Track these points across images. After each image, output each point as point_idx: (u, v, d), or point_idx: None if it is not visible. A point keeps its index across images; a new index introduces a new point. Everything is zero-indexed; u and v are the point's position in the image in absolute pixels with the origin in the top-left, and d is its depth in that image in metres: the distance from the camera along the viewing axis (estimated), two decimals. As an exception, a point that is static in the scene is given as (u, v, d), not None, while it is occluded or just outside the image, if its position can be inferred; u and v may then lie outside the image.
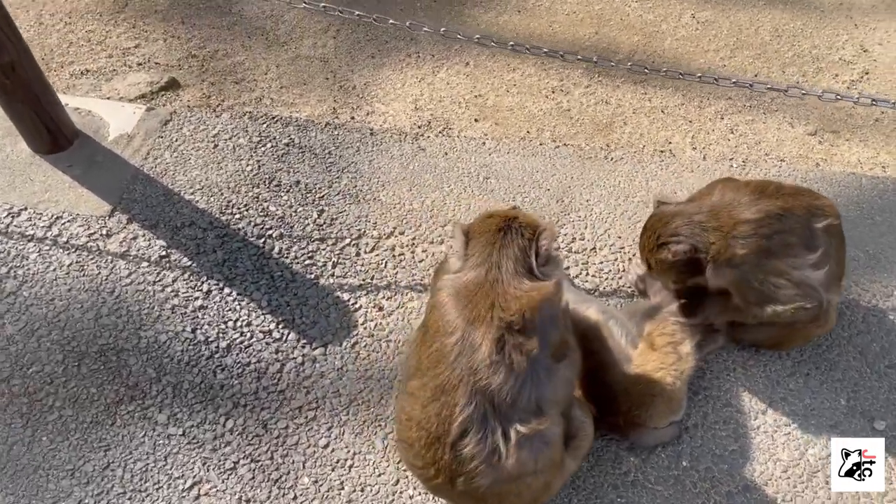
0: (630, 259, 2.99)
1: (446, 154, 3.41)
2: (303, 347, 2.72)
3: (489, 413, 1.92)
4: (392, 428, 2.51)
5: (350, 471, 2.44)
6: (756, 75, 3.94)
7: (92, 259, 2.92)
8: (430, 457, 1.99)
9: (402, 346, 2.71)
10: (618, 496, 2.41)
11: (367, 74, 3.93)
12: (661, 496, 2.41)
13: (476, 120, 3.68)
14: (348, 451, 2.48)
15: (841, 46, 4.14)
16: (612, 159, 3.41)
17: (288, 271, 2.92)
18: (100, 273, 2.88)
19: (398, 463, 2.44)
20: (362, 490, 2.41)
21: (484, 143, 3.47)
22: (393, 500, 2.39)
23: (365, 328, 2.78)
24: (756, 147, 3.58)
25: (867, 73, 3.97)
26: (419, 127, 3.62)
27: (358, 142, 3.44)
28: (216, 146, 3.37)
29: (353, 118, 3.69)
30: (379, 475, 2.43)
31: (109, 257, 2.92)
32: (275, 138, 3.43)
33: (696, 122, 3.70)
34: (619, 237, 3.08)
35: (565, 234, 3.07)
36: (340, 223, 3.09)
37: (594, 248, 3.02)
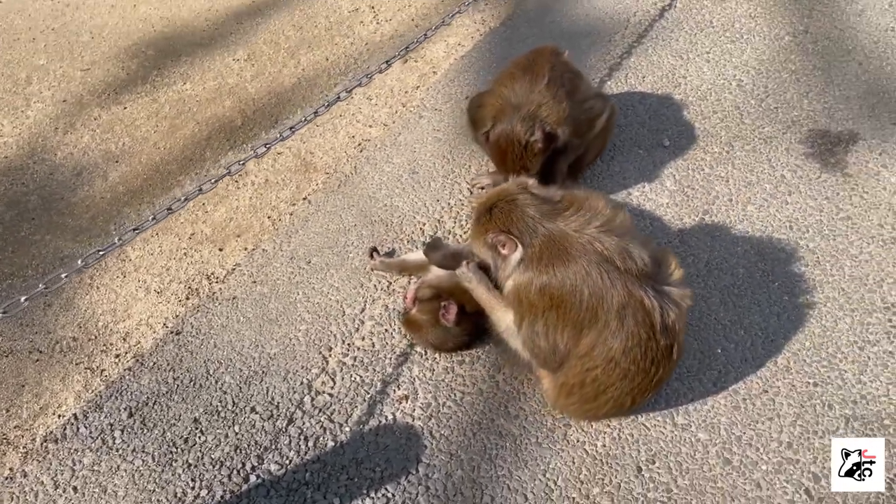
0: (468, 198, 3.37)
1: (254, 282, 3.20)
2: (408, 479, 2.50)
3: (653, 281, 2.24)
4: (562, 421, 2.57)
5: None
6: (327, 60, 4.46)
7: None
8: (650, 360, 2.22)
9: (503, 369, 2.74)
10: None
11: (67, 321, 3.23)
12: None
13: (220, 249, 3.45)
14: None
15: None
16: (353, 174, 3.64)
17: (314, 465, 2.57)
18: None
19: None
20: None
21: (264, 251, 3.33)
22: None
23: (420, 419, 2.66)
24: (400, 95, 4.15)
25: (373, 8, 4.83)
26: (188, 298, 3.25)
27: (176, 351, 2.99)
28: (76, 489, 2.57)
29: (118, 357, 3.10)
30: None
31: None
32: (112, 424, 2.75)
33: (345, 113, 4.08)
34: (437, 200, 3.42)
35: (412, 233, 3.29)
36: (273, 406, 2.76)
37: (439, 219, 3.32)
